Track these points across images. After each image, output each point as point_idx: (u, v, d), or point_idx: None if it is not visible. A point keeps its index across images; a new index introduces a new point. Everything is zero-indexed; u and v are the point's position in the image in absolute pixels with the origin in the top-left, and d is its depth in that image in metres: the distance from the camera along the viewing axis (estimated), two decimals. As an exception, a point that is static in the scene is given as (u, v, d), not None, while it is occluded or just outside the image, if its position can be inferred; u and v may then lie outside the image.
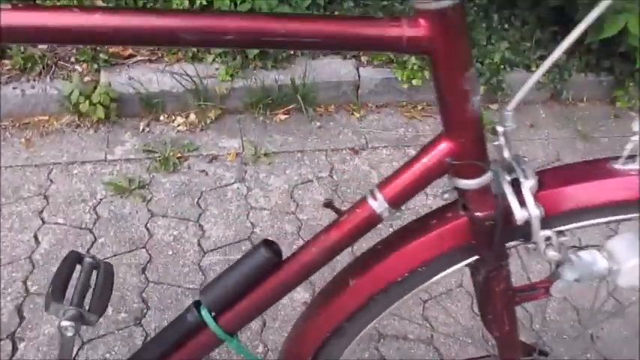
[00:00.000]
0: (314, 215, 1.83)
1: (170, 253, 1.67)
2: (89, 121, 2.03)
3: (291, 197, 1.89)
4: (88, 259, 0.94)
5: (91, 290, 0.89)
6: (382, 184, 0.65)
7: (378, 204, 0.64)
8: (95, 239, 1.68)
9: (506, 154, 0.63)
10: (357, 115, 2.24)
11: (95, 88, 1.99)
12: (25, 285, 1.54)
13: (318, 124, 2.19)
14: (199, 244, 1.71)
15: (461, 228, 0.66)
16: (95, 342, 1.43)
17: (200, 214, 1.80)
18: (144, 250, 1.67)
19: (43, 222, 1.71)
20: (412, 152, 2.15)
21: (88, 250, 1.64)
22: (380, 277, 0.71)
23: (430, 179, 0.63)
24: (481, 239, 0.65)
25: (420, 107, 2.31)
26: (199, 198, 1.85)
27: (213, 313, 0.72)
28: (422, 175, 0.62)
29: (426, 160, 0.62)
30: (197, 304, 0.73)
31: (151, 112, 2.09)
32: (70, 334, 0.84)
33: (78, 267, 0.91)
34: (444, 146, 0.61)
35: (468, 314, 1.59)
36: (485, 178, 0.61)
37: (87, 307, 0.86)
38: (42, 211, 1.74)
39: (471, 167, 0.61)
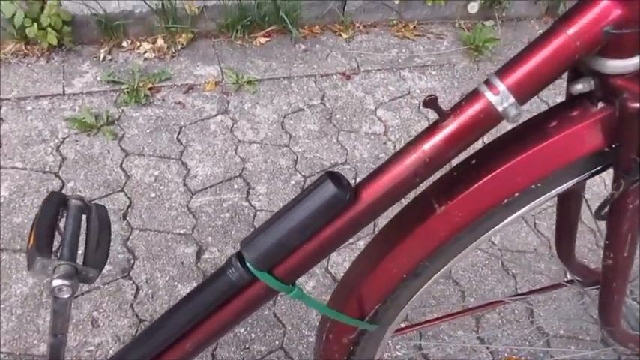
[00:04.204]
0: (310, 147, 1.65)
1: (153, 195, 1.47)
2: (39, 49, 1.74)
3: (283, 128, 1.70)
4: (74, 202, 0.74)
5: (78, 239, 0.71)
6: (502, 71, 0.48)
7: (499, 97, 0.47)
8: (63, 184, 1.45)
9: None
10: (345, 37, 2.03)
11: (42, 9, 1.68)
12: (-15, 240, 1.31)
13: (303, 47, 1.97)
14: (185, 185, 1.51)
15: (595, 129, 0.51)
16: (79, 300, 1.24)
17: (182, 151, 1.58)
18: (122, 193, 1.46)
19: (-2, 167, 1.46)
20: (407, 74, 1.99)
21: (56, 196, 1.41)
22: (480, 199, 0.55)
23: (570, 60, 0.46)
24: (628, 140, 0.49)
25: (411, 26, 2.11)
26: (179, 133, 1.63)
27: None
28: (562, 54, 0.45)
29: (573, 33, 0.44)
30: (239, 256, 0.55)
31: (111, 38, 1.81)
32: (65, 295, 0.66)
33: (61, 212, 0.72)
34: (602, 10, 0.43)
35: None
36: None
37: (81, 261, 0.68)
38: (-5, 155, 1.49)
39: (632, 40, 0.45)
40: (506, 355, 1.32)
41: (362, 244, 1.41)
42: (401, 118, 1.79)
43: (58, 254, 0.66)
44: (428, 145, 0.50)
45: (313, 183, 0.51)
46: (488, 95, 0.47)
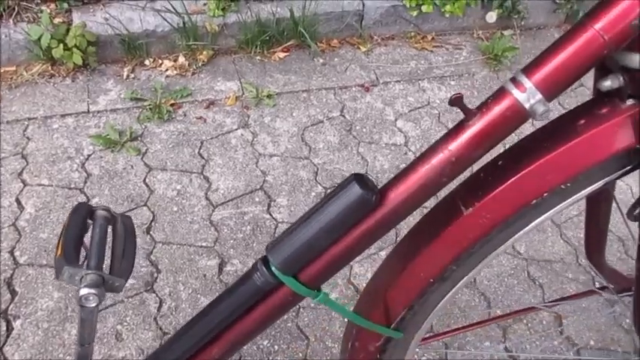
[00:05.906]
0: (330, 159, 1.65)
1: (175, 209, 1.48)
2: (64, 69, 1.78)
3: (303, 141, 1.70)
4: (101, 212, 0.75)
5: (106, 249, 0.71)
6: (529, 69, 0.47)
7: (526, 95, 0.46)
8: (88, 199, 1.47)
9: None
10: (363, 49, 2.04)
11: (68, 30, 1.73)
12: (13, 255, 1.33)
13: (322, 60, 1.98)
14: (207, 198, 1.52)
15: (625, 126, 0.50)
16: (103, 313, 1.25)
17: (203, 165, 1.60)
18: (145, 208, 1.48)
19: (25, 184, 1.49)
20: (427, 85, 1.99)
21: (82, 212, 1.43)
22: (508, 200, 0.54)
23: (599, 55, 0.45)
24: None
25: (429, 37, 2.11)
26: (200, 147, 1.65)
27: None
28: (591, 49, 0.45)
29: (601, 27, 0.44)
30: (265, 261, 0.55)
31: (134, 57, 1.85)
32: (92, 304, 0.66)
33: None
34: (630, 4, 0.43)
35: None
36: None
37: (107, 271, 0.69)
38: (21, 173, 1.52)
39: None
40: (535, 367, 1.29)
41: (384, 254, 1.40)
42: (421, 128, 1.79)
43: (86, 264, 0.67)
44: (454, 145, 0.50)
45: (339, 185, 0.51)
46: (515, 93, 0.47)
